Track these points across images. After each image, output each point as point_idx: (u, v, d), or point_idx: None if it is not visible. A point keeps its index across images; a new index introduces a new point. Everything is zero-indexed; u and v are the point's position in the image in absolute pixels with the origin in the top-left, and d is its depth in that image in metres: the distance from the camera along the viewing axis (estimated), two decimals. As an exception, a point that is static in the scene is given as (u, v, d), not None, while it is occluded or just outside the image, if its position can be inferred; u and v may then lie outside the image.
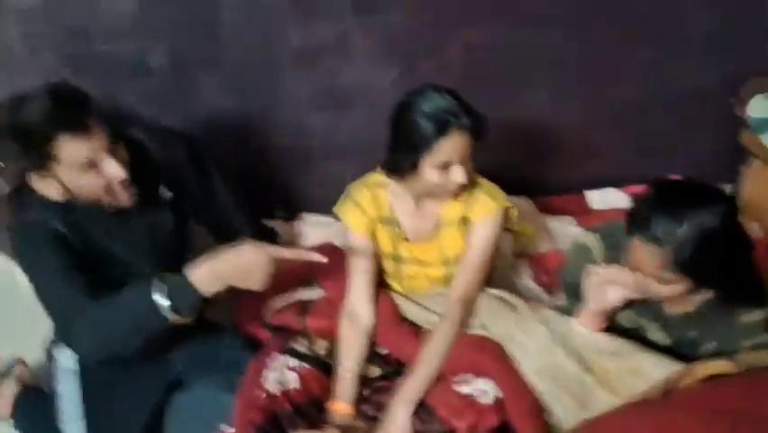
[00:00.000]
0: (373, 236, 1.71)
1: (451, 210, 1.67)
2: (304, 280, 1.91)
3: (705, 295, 1.44)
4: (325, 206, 1.93)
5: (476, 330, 1.59)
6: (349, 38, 2.16)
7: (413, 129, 1.48)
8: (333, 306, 1.76)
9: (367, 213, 1.69)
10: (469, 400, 1.45)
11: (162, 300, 1.35)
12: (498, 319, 1.57)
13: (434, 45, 2.20)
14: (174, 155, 1.73)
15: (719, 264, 1.30)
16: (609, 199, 2.46)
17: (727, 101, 2.37)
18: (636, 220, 1.32)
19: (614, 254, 1.51)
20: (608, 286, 1.43)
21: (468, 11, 2.16)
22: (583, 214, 2.40)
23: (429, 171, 1.51)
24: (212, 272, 1.37)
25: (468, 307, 1.64)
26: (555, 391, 1.44)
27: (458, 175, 1.52)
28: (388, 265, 1.77)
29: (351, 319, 1.68)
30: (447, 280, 1.73)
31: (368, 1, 2.11)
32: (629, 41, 2.29)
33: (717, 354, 1.42)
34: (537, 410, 1.44)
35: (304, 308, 1.84)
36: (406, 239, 1.72)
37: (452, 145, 1.48)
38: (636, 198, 1.37)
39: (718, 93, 2.37)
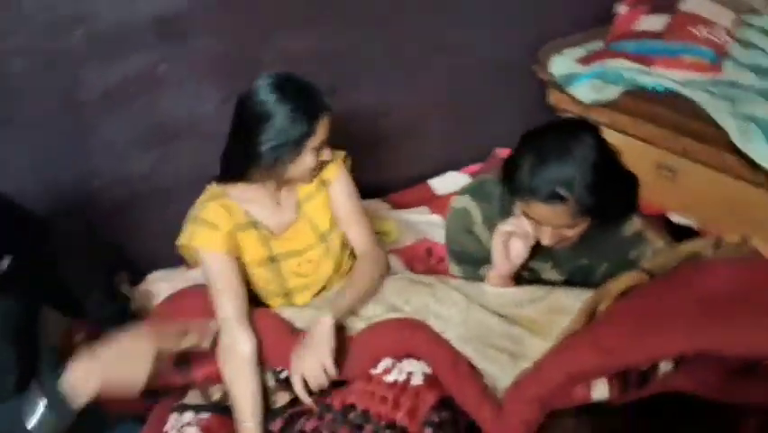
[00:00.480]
0: (236, 250, 1.58)
1: (304, 186, 1.66)
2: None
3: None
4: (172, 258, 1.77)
5: (387, 315, 1.50)
6: (160, 69, 2.00)
7: (291, 121, 1.46)
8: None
9: (221, 228, 1.56)
10: (399, 387, 1.35)
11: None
12: (412, 296, 1.50)
13: (253, 60, 2.10)
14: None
15: (614, 192, 1.34)
16: (452, 183, 2.50)
17: (530, 67, 2.55)
18: (527, 184, 1.31)
19: (489, 206, 1.53)
20: (512, 241, 1.43)
21: (280, 20, 2.09)
22: (433, 200, 2.42)
23: (309, 157, 1.52)
24: (86, 373, 1.18)
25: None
26: (485, 352, 1.39)
27: (327, 153, 1.57)
28: (265, 273, 1.64)
29: (229, 352, 1.50)
30: (331, 256, 1.67)
31: (175, 27, 1.96)
32: (436, 29, 2.36)
33: (611, 275, 1.45)
34: (474, 373, 1.37)
35: (183, 359, 1.62)
36: (273, 234, 1.63)
37: (324, 126, 1.51)
38: (512, 160, 1.37)
39: (525, 62, 2.53)
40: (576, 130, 1.34)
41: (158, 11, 1.91)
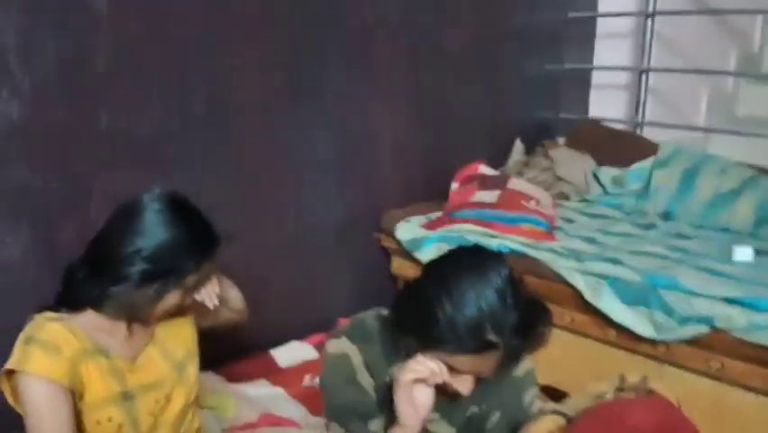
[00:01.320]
0: (78, 385, 1.23)
1: None
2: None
3: None
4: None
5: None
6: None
7: (179, 250, 1.25)
8: None
9: (63, 352, 1.21)
10: None
11: None
12: None
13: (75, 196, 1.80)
14: None
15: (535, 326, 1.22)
16: (295, 353, 2.26)
17: (372, 236, 2.50)
18: (449, 336, 1.16)
19: (371, 347, 1.33)
20: (415, 389, 1.22)
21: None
22: (275, 373, 2.16)
23: (178, 297, 1.30)
24: None
25: None
26: None
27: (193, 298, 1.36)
28: (117, 413, 1.28)
29: None
30: (184, 391, 1.39)
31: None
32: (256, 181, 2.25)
33: (505, 425, 1.31)
34: None
35: None
36: (127, 365, 1.32)
37: (209, 265, 1.33)
38: (417, 308, 1.20)
39: (367, 230, 2.50)
40: (484, 261, 1.22)
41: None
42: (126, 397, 1.30)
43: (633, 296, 1.92)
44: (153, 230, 1.23)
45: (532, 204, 2.48)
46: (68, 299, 1.28)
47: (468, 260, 1.23)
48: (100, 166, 1.83)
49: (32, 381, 1.18)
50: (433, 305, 1.16)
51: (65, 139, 1.76)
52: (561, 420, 1.22)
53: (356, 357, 1.32)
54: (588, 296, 1.97)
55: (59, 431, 1.18)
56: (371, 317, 1.37)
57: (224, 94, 2.08)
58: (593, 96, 3.38)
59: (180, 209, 1.28)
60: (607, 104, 3.33)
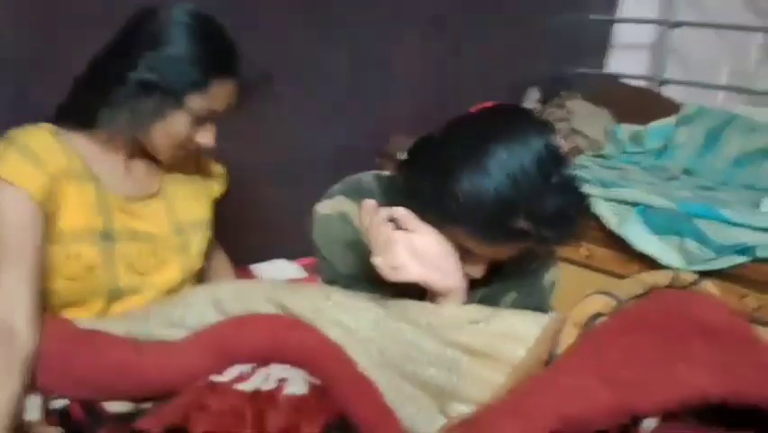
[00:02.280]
0: (53, 205, 1.07)
1: (183, 169, 1.29)
2: None
3: None
4: None
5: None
6: None
7: (184, 60, 1.09)
8: None
9: (46, 164, 1.07)
10: (264, 397, 0.80)
11: None
12: (301, 299, 0.96)
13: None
14: None
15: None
16: (281, 272, 2.06)
17: (374, 160, 2.31)
18: (474, 220, 0.95)
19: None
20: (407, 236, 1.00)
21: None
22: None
23: (182, 122, 1.12)
24: None
25: None
26: (401, 387, 0.90)
27: (209, 136, 1.18)
28: (91, 252, 1.10)
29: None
30: (183, 259, 1.22)
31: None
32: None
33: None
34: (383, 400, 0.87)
35: None
36: (117, 199, 1.17)
37: (222, 94, 1.14)
38: (435, 176, 0.98)
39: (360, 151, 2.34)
40: (526, 122, 0.99)
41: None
42: (106, 237, 1.13)
43: (663, 224, 1.73)
44: (165, 31, 1.10)
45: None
46: (67, 110, 1.14)
47: (507, 117, 1.03)
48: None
49: (2, 185, 1.03)
50: (453, 170, 0.95)
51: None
52: (611, 302, 1.01)
53: (356, 214, 1.12)
54: (612, 224, 1.78)
55: (21, 245, 1.03)
56: (369, 176, 1.18)
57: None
58: (614, 53, 3.20)
59: (203, 21, 1.13)
60: (628, 61, 3.16)
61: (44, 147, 1.08)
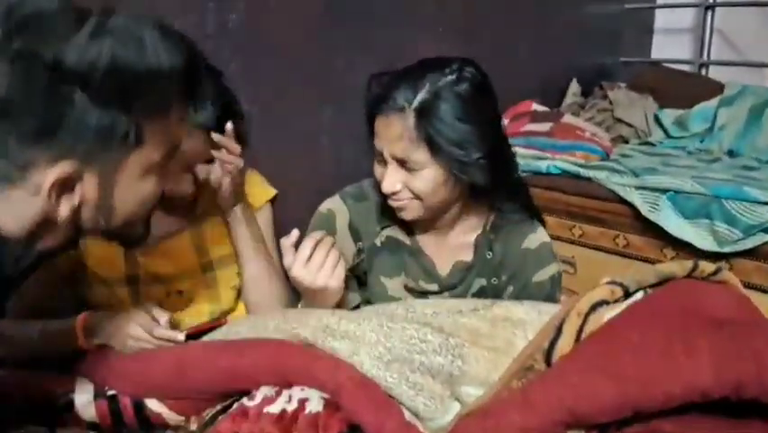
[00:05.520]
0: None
1: (207, 200, 1.26)
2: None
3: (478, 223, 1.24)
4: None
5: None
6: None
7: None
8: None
9: None
10: (289, 418, 0.89)
11: None
12: (310, 321, 1.04)
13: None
14: None
15: (474, 136, 1.07)
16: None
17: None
18: (378, 96, 1.09)
19: (361, 206, 1.24)
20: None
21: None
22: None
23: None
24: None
25: None
26: (411, 378, 0.96)
27: (187, 184, 1.16)
28: (119, 293, 1.19)
29: None
30: (211, 294, 1.23)
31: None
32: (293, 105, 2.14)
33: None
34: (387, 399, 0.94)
35: None
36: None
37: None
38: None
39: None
40: (454, 60, 1.12)
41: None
42: (131, 281, 1.20)
43: (694, 209, 1.73)
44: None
45: (588, 133, 2.30)
46: None
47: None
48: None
49: None
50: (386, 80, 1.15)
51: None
52: (618, 291, 1.04)
53: (342, 217, 1.23)
54: (644, 211, 1.79)
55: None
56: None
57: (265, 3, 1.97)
58: (656, 39, 3.15)
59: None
60: (670, 46, 3.10)
61: None
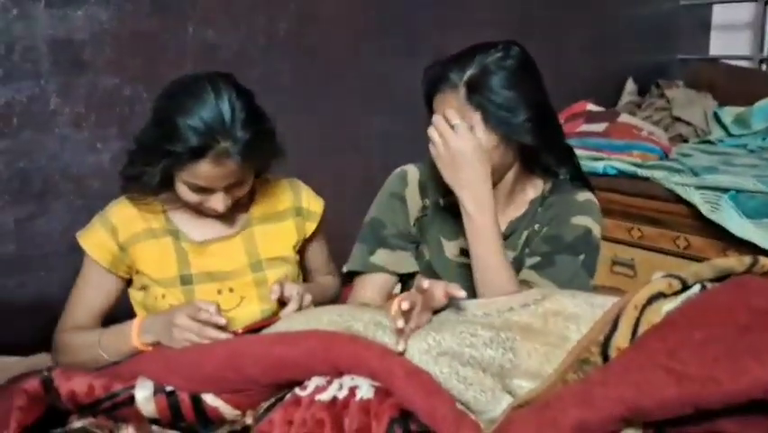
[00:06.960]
0: (123, 266, 1.25)
1: (274, 207, 1.34)
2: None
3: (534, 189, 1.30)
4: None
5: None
6: (50, 101, 1.64)
7: (171, 134, 1.10)
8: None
9: (119, 234, 1.23)
10: (340, 405, 0.89)
11: None
12: (363, 317, 1.05)
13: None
14: None
15: (519, 102, 1.15)
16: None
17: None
18: (433, 77, 1.19)
19: (428, 168, 1.31)
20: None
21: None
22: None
23: (183, 188, 1.17)
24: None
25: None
26: (462, 371, 0.96)
27: (217, 202, 1.18)
28: (173, 294, 1.23)
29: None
30: (261, 293, 1.26)
31: (72, 57, 1.65)
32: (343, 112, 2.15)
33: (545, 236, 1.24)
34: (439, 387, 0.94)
35: None
36: (193, 246, 1.26)
37: (209, 170, 1.12)
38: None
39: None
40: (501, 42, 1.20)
41: (58, 34, 1.61)
42: (185, 281, 1.25)
43: (756, 208, 1.67)
44: (163, 112, 1.14)
45: (645, 133, 2.25)
46: (127, 178, 1.22)
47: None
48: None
49: (85, 249, 1.24)
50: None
51: (152, 48, 1.75)
52: (675, 284, 1.02)
53: (413, 175, 1.32)
54: (705, 211, 1.74)
55: (81, 297, 1.25)
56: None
57: (313, 10, 2.01)
58: (714, 35, 3.07)
59: (175, 96, 1.14)
60: (728, 42, 3.01)
61: (121, 218, 1.23)
